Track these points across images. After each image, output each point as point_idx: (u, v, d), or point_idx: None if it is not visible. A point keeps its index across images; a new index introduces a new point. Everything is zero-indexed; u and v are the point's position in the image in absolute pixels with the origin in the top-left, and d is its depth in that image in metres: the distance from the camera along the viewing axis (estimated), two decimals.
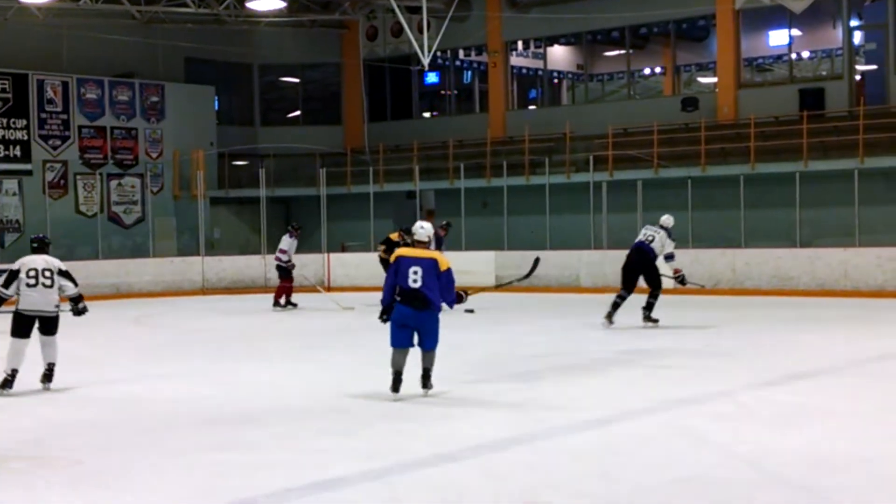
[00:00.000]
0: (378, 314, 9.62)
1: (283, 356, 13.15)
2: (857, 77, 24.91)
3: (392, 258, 9.64)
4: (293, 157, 30.31)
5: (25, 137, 26.55)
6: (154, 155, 28.88)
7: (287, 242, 19.85)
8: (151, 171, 28.67)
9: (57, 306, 10.21)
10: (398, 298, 9.37)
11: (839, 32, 25.09)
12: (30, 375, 10.50)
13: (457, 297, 9.59)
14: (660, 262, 15.39)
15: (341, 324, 17.24)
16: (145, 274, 24.62)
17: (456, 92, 32.25)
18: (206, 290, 24.84)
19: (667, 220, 15.56)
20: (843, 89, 24.24)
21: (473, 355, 12.07)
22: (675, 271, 15.46)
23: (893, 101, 23.34)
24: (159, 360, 12.93)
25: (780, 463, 6.71)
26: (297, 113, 33.71)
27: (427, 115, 33.15)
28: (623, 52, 29.32)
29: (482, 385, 10.00)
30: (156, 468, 6.94)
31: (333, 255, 25.56)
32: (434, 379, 9.62)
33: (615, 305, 15.18)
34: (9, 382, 10.01)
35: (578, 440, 7.60)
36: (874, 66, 24.95)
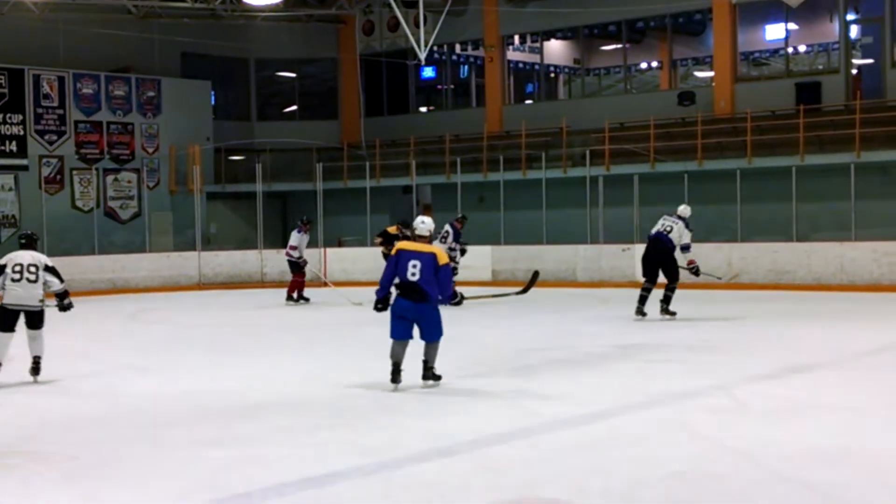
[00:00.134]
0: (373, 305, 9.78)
1: (279, 351, 13.15)
2: (854, 71, 24.91)
3: (393, 251, 9.76)
4: (290, 151, 30.29)
5: (21, 132, 26.51)
6: (150, 150, 28.85)
7: (296, 238, 19.81)
8: (148, 166, 28.64)
9: (41, 300, 10.37)
10: (397, 291, 9.49)
11: (836, 26, 25.09)
12: (24, 371, 10.56)
13: (452, 295, 9.65)
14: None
15: (338, 318, 17.23)
16: (141, 269, 24.60)
17: (452, 86, 32.23)
18: (202, 285, 24.83)
19: (684, 210, 15.57)
20: (839, 83, 24.25)
21: (469, 349, 12.06)
22: (689, 262, 15.42)
23: (890, 94, 23.35)
24: (155, 355, 12.92)
25: (775, 457, 6.72)
26: (294, 108, 33.69)
27: (424, 109, 33.14)
28: (620, 46, 29.29)
29: (478, 379, 10.01)
30: (152, 463, 6.94)
31: (330, 250, 25.56)
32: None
33: (642, 298, 15.32)
34: None
35: (575, 434, 7.61)
36: (871, 60, 24.94)
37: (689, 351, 12.10)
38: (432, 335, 9.55)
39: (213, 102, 31.10)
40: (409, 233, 18.46)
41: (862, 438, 7.31)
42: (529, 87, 32.44)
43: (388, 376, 9.52)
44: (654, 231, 15.46)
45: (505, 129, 28.90)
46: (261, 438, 7.63)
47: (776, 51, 27.58)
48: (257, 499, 6.02)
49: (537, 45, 30.27)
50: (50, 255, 22.50)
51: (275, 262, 25.50)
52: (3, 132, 26.17)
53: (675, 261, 15.26)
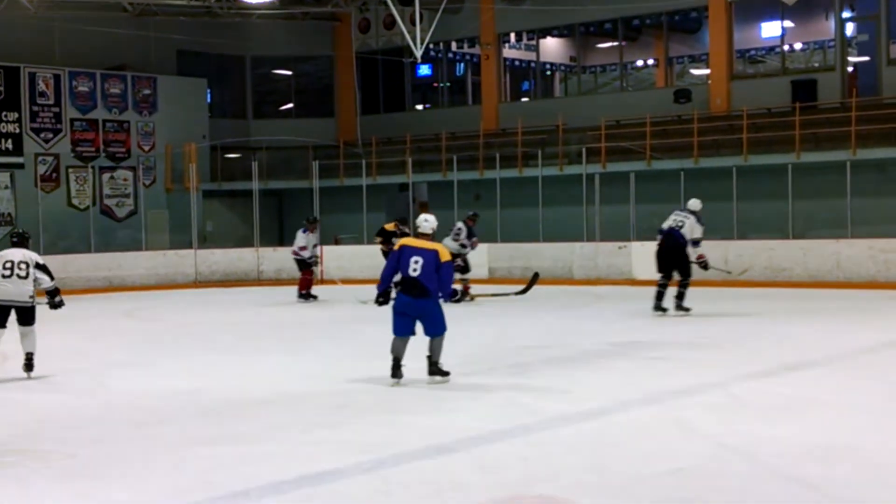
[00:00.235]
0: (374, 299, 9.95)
1: (276, 348, 13.14)
2: (850, 69, 24.92)
3: (396, 246, 9.88)
4: (286, 149, 30.28)
5: (17, 130, 26.47)
6: (146, 148, 28.82)
7: (303, 238, 19.75)
8: (144, 163, 28.61)
9: (31, 297, 10.49)
10: (399, 287, 9.59)
11: (832, 24, 25.11)
12: (19, 369, 10.59)
13: (452, 293, 9.78)
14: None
15: (335, 316, 17.23)
16: (138, 267, 24.57)
17: (448, 84, 32.22)
18: (198, 283, 24.81)
19: (694, 203, 15.59)
20: (835, 81, 24.26)
21: (466, 347, 12.06)
22: (699, 256, 15.43)
23: (886, 92, 23.36)
24: (152, 353, 12.91)
25: (772, 454, 6.73)
26: (290, 105, 33.67)
27: (420, 107, 33.12)
28: (616, 43, 29.28)
29: (475, 377, 10.01)
30: (149, 461, 6.94)
31: (327, 248, 25.52)
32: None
33: (659, 294, 15.36)
34: None
35: (572, 432, 7.61)
36: (866, 58, 24.95)
37: (686, 348, 12.11)
38: (435, 330, 9.60)
39: (208, 100, 31.07)
40: (407, 230, 18.61)
41: (859, 435, 7.32)
42: (525, 85, 32.44)
43: (388, 375, 9.54)
44: (666, 226, 15.46)
45: (501, 126, 28.90)
46: (258, 436, 7.62)
47: (772, 48, 27.60)
48: (255, 496, 6.02)
49: (533, 42, 30.27)
50: (46, 253, 22.63)
51: (271, 260, 25.52)
52: None
53: (687, 257, 15.29)
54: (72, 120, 27.41)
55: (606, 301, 18.79)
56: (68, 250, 24.53)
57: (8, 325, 10.62)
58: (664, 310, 15.29)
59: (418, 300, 9.48)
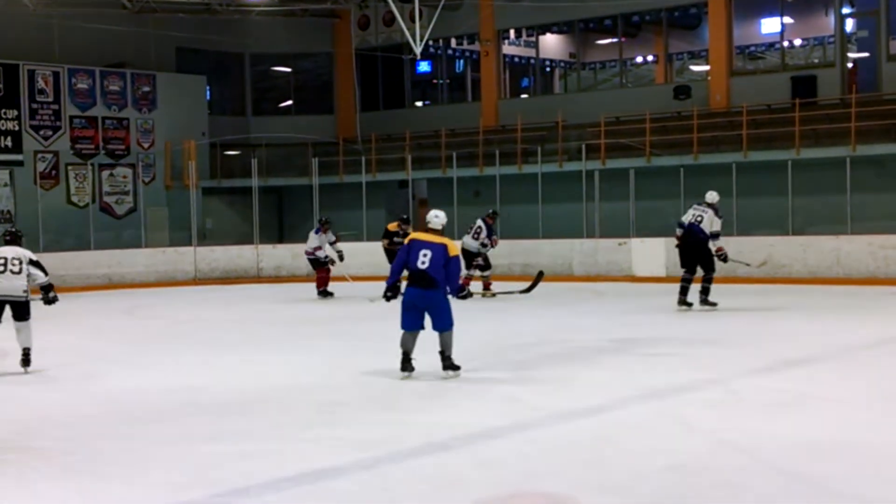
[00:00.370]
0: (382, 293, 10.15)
1: (276, 346, 13.13)
2: (850, 64, 24.92)
3: (406, 240, 10.03)
4: (285, 146, 30.27)
5: (16, 128, 26.47)
6: (146, 145, 28.82)
7: (315, 239, 19.78)
8: (143, 161, 28.61)
9: (25, 292, 10.64)
10: (407, 282, 9.71)
11: (831, 20, 25.12)
12: (17, 366, 10.61)
13: (460, 288, 9.81)
14: None
15: (335, 314, 17.24)
16: (137, 264, 24.58)
17: (448, 81, 32.21)
18: (198, 280, 24.82)
19: (712, 196, 15.65)
20: (835, 77, 24.26)
21: (465, 344, 12.03)
22: (718, 249, 15.46)
23: (885, 88, 23.36)
24: (151, 350, 12.91)
25: (771, 450, 6.72)
26: (289, 102, 33.66)
27: (419, 104, 33.11)
28: (615, 40, 29.29)
29: (474, 374, 10.00)
30: (148, 458, 6.94)
31: (312, 237, 25.47)
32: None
33: (683, 289, 15.42)
34: None
35: (571, 428, 7.61)
36: (866, 54, 24.96)
37: (686, 344, 12.11)
38: (443, 324, 9.69)
39: (208, 97, 31.08)
40: (409, 229, 18.70)
41: (858, 431, 7.32)
42: (525, 82, 32.44)
43: (387, 371, 9.55)
44: (686, 221, 15.48)
45: (501, 123, 28.90)
46: (257, 434, 7.62)
47: (772, 44, 27.60)
48: (254, 494, 6.01)
49: (533, 39, 30.27)
50: (45, 250, 22.67)
51: (271, 256, 25.54)
52: None
53: (709, 251, 15.35)
54: (71, 117, 27.41)
55: (606, 298, 18.79)
56: (68, 248, 24.53)
57: (4, 322, 10.72)
58: (689, 304, 15.38)
59: (427, 291, 9.58)
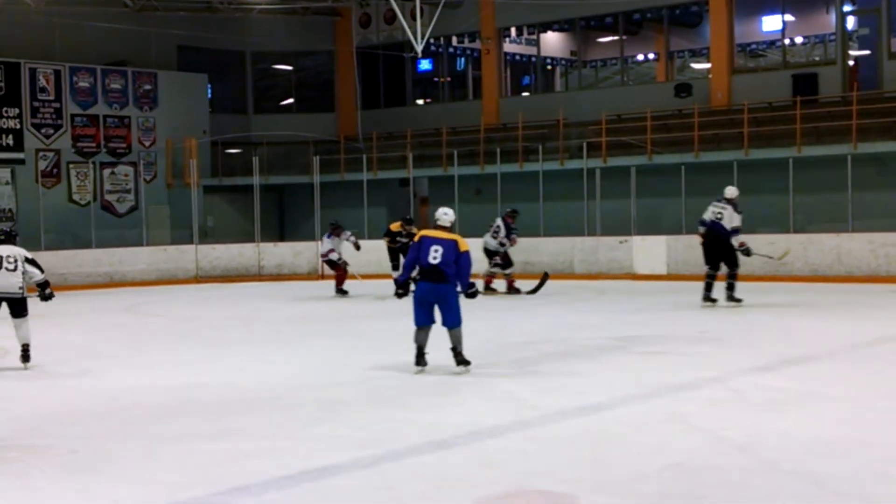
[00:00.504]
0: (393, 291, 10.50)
1: (277, 344, 13.14)
2: (851, 62, 24.90)
3: (416, 237, 10.20)
4: (286, 144, 30.28)
5: (18, 126, 26.47)
6: (147, 143, 28.82)
7: (328, 242, 19.91)
8: (144, 159, 28.62)
9: (21, 288, 10.85)
10: (418, 277, 9.89)
11: (832, 17, 25.09)
12: (19, 363, 10.64)
13: (470, 285, 10.06)
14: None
15: (337, 312, 17.24)
16: (139, 262, 24.60)
17: (449, 79, 32.20)
18: (199, 278, 24.83)
19: (731, 191, 15.74)
20: (836, 75, 24.24)
21: (467, 343, 12.02)
22: (741, 244, 15.62)
23: (887, 86, 23.34)
24: (152, 348, 12.92)
25: (773, 448, 6.73)
26: (291, 101, 33.67)
27: (420, 102, 33.10)
28: (616, 38, 29.28)
29: (475, 372, 10.00)
30: (149, 456, 6.95)
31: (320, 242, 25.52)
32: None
33: (708, 286, 15.58)
34: None
35: (572, 426, 7.62)
36: (867, 52, 24.94)
37: (687, 342, 12.12)
38: (453, 320, 9.86)
39: (209, 95, 31.07)
40: (412, 229, 18.77)
41: (860, 429, 7.32)
42: (526, 80, 32.44)
43: (388, 370, 9.58)
44: (707, 219, 15.57)
45: (502, 121, 28.89)
46: (258, 432, 7.63)
47: (773, 42, 27.59)
48: (255, 492, 6.02)
49: (534, 37, 30.26)
50: (47, 249, 22.72)
51: (272, 255, 25.55)
52: None
53: (732, 248, 15.49)
54: (72, 115, 27.42)
55: (607, 296, 18.79)
56: (69, 246, 24.53)
57: (3, 320, 10.92)
58: (714, 301, 15.50)
59: (438, 285, 9.77)
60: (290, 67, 33.54)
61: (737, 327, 13.41)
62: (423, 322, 9.93)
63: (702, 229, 15.67)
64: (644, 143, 24.37)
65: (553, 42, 31.75)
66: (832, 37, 25.25)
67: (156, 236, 26.81)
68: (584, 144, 24.76)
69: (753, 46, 28.62)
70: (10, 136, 26.34)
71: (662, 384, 9.22)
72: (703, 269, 16.11)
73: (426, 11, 25.73)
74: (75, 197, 27.42)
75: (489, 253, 18.63)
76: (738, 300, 15.45)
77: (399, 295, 10.31)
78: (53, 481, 6.38)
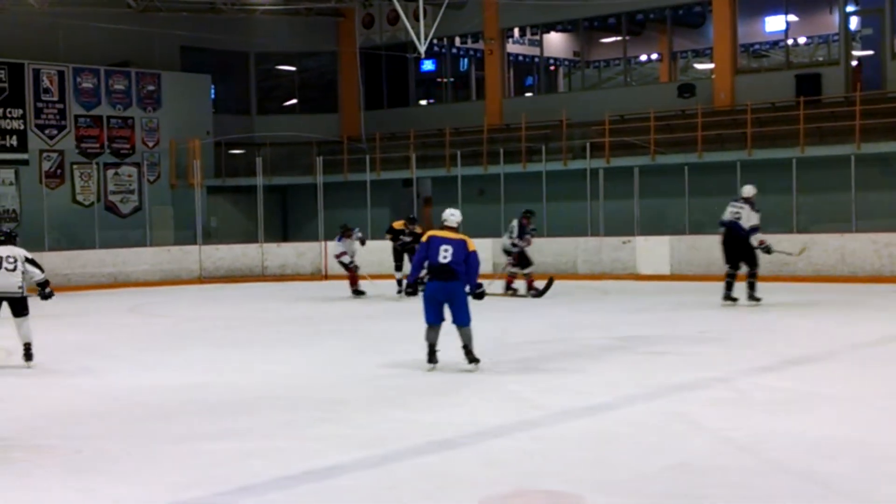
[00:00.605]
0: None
1: (280, 344, 13.14)
2: (854, 62, 24.88)
3: (424, 237, 10.35)
4: (290, 145, 30.29)
5: (22, 127, 26.50)
6: (150, 144, 28.85)
7: (339, 246, 19.87)
8: (148, 160, 28.64)
9: (20, 288, 10.99)
10: (428, 277, 10.06)
11: (836, 18, 25.07)
12: (23, 364, 10.67)
13: (477, 286, 10.19)
14: None
15: (340, 312, 17.24)
16: (142, 263, 24.61)
17: (452, 79, 32.20)
18: (203, 278, 24.84)
19: (748, 190, 15.84)
20: (839, 75, 24.23)
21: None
22: (760, 242, 15.68)
23: (890, 86, 23.32)
24: (156, 348, 12.93)
25: (776, 448, 6.72)
26: (294, 101, 33.68)
27: (423, 102, 33.12)
28: (619, 38, 29.28)
29: (479, 372, 10.01)
30: (153, 456, 6.95)
31: (330, 244, 25.50)
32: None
33: (728, 285, 15.68)
34: None
35: (575, 427, 7.61)
36: (871, 52, 24.92)
37: (691, 343, 12.11)
38: (463, 318, 10.02)
39: (212, 96, 31.09)
40: (416, 229, 18.78)
41: (864, 429, 7.31)
42: (529, 80, 32.43)
43: (392, 370, 9.59)
44: (726, 219, 15.68)
45: (505, 121, 28.89)
46: (262, 432, 7.63)
47: (776, 42, 27.57)
48: (259, 492, 6.02)
49: (537, 37, 30.25)
50: (50, 249, 22.74)
51: (275, 255, 25.56)
52: (3, 127, 26.17)
53: (751, 247, 15.57)
54: (76, 116, 27.44)
55: (610, 296, 18.79)
56: (73, 247, 24.55)
57: (4, 321, 11.07)
58: (734, 300, 15.58)
59: (448, 283, 9.94)
60: (293, 68, 33.56)
61: (740, 327, 13.41)
62: (434, 320, 10.08)
63: (722, 230, 15.75)
64: (647, 143, 24.37)
65: (556, 42, 31.74)
66: (835, 37, 25.23)
67: (159, 237, 26.84)
68: (588, 145, 24.75)
69: (757, 47, 28.60)
70: (14, 137, 26.37)
71: (666, 384, 9.21)
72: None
73: (429, 12, 25.74)
74: (79, 198, 27.44)
75: (507, 253, 18.71)
76: (758, 299, 15.52)
77: (409, 293, 10.50)
78: (56, 481, 6.39)
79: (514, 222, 18.79)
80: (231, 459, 6.78)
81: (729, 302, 15.59)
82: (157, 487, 6.20)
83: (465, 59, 32.46)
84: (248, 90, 32.79)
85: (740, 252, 15.57)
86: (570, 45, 31.75)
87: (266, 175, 27.44)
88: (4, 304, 11.01)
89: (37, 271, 11.25)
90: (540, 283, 18.68)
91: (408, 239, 18.96)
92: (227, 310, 18.42)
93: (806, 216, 21.96)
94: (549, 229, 24.11)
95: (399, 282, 19.07)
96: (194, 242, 25.57)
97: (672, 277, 21.60)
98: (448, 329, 10.16)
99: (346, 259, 19.75)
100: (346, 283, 20.22)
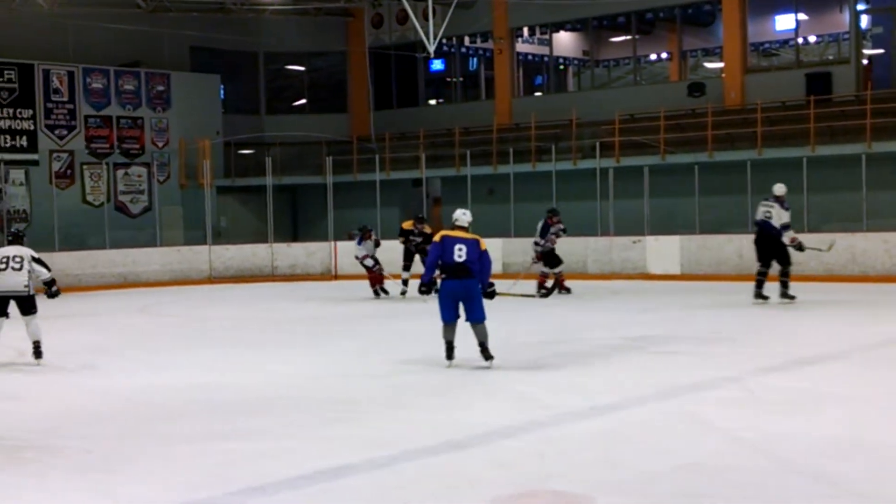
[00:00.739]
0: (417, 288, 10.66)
1: (290, 344, 13.17)
2: (865, 61, 24.82)
3: (437, 237, 10.47)
4: (299, 145, 30.33)
5: (32, 127, 26.59)
6: (160, 144, 28.91)
7: (359, 248, 19.80)
8: (158, 160, 28.70)
9: (27, 286, 11.16)
10: (443, 276, 10.20)
11: (846, 16, 25.00)
12: (36, 367, 10.69)
13: (489, 285, 10.30)
14: None
15: (350, 312, 17.25)
16: (152, 263, 24.66)
17: (462, 79, 32.21)
18: (212, 278, 24.88)
19: (779, 188, 15.85)
20: (850, 73, 24.16)
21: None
22: (792, 239, 15.73)
23: None
24: (166, 349, 12.96)
25: (787, 449, 6.71)
26: (303, 101, 33.73)
27: (433, 102, 33.12)
28: (629, 37, 29.24)
29: (488, 372, 10.01)
30: (164, 456, 6.96)
31: (340, 244, 25.55)
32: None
33: (759, 283, 15.74)
34: None
35: (586, 427, 7.61)
36: (881, 50, 24.87)
37: (701, 342, 12.09)
38: (478, 316, 10.15)
39: (222, 96, 31.15)
40: (425, 228, 18.77)
41: (875, 429, 7.29)
42: (539, 80, 32.41)
43: (401, 370, 9.61)
44: (758, 218, 15.78)
45: (514, 121, 28.88)
46: (272, 432, 7.64)
47: (786, 41, 27.50)
48: (270, 492, 6.03)
49: (546, 37, 30.23)
50: (61, 249, 22.80)
51: (285, 255, 25.58)
52: (13, 127, 26.26)
53: (783, 246, 15.62)
54: (86, 117, 27.52)
55: (621, 296, 18.76)
56: (83, 247, 24.61)
57: (14, 321, 11.21)
58: (766, 298, 15.62)
59: (464, 280, 10.08)
60: (302, 68, 33.60)
61: (750, 327, 13.37)
62: (451, 318, 10.21)
63: (754, 229, 15.81)
64: (657, 142, 24.33)
65: (565, 42, 31.72)
66: (846, 35, 25.16)
67: (169, 237, 26.89)
68: (597, 144, 24.73)
69: (767, 45, 28.54)
70: (24, 138, 26.45)
71: (676, 384, 9.20)
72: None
73: (438, 11, 25.72)
74: (89, 198, 27.51)
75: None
76: (792, 297, 15.56)
77: (423, 292, 10.61)
78: (70, 481, 6.41)
79: (540, 222, 18.73)
80: (242, 459, 6.79)
81: (760, 300, 15.60)
82: (168, 487, 6.21)
83: (475, 59, 32.47)
84: (258, 90, 32.84)
85: (773, 250, 15.62)
86: (580, 44, 31.72)
87: (276, 175, 27.47)
88: (12, 303, 11.15)
89: (43, 270, 11.41)
90: (567, 284, 18.71)
91: (419, 239, 18.96)
92: (237, 310, 18.45)
93: (816, 215, 21.88)
94: None
95: (405, 281, 19.05)
96: (204, 242, 25.61)
97: (682, 277, 21.56)
98: (460, 328, 10.21)
99: (369, 262, 19.66)
100: (355, 284, 20.25)
